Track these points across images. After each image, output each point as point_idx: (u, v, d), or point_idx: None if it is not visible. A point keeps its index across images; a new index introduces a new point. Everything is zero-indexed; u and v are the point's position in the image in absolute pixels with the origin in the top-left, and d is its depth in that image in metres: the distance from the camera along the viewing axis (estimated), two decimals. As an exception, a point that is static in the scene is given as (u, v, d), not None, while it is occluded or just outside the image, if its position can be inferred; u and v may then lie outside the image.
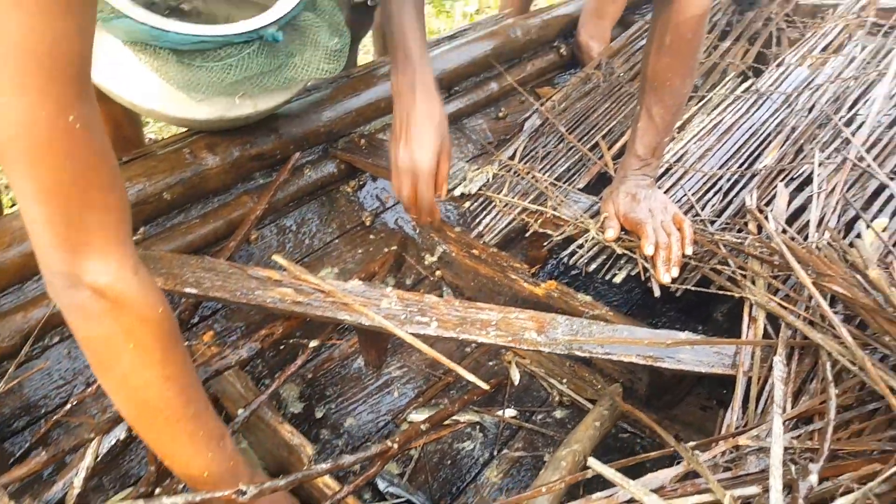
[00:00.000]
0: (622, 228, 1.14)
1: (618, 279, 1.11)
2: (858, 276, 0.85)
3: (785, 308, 0.90)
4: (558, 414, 1.18)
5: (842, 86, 1.55)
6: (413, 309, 0.98)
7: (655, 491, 0.64)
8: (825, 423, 0.69)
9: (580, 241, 1.17)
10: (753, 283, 0.98)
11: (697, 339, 0.92)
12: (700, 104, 1.64)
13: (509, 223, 1.27)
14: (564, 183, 1.38)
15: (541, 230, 1.22)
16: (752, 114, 1.53)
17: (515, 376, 1.20)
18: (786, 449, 0.68)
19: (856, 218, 1.12)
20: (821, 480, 0.62)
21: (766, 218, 1.09)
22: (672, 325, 1.33)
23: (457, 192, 1.33)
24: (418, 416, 1.15)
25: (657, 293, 1.05)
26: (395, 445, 0.87)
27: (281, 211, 1.40)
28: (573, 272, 1.43)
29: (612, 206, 1.16)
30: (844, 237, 1.08)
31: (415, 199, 1.05)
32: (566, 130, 1.57)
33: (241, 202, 1.32)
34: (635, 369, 1.10)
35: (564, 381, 1.20)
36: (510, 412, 1.17)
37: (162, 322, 0.65)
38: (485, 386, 0.88)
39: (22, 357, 1.00)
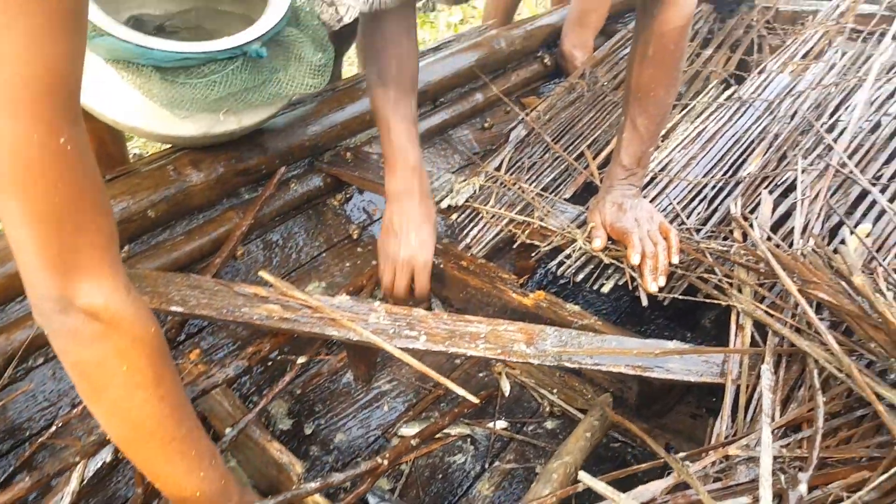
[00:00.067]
0: (609, 238, 1.15)
1: (605, 289, 1.12)
2: (843, 283, 0.86)
3: (771, 316, 0.90)
4: (549, 425, 1.18)
5: (823, 92, 1.56)
6: (401, 323, 0.98)
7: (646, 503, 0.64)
8: (813, 430, 0.69)
9: (568, 252, 1.18)
10: (740, 291, 0.98)
11: (686, 348, 0.92)
12: (683, 112, 1.65)
13: (497, 234, 1.28)
14: (551, 193, 1.39)
15: (528, 241, 1.22)
16: (735, 121, 1.55)
17: (506, 388, 1.19)
18: (775, 458, 0.69)
19: (840, 224, 1.13)
20: (810, 489, 0.63)
21: (751, 225, 1.10)
22: (661, 333, 1.33)
23: (444, 205, 1.33)
24: (409, 430, 1.14)
25: (645, 302, 1.06)
26: (385, 462, 0.87)
27: (267, 226, 1.39)
28: (561, 282, 1.43)
29: (599, 216, 1.16)
30: (829, 243, 1.09)
31: (408, 291, 1.13)
32: (552, 140, 1.58)
33: (226, 218, 1.31)
34: (625, 379, 1.10)
35: (555, 391, 1.20)
36: (501, 424, 1.16)
37: (153, 341, 0.65)
38: (475, 400, 0.88)
39: (5, 379, 0.99)
